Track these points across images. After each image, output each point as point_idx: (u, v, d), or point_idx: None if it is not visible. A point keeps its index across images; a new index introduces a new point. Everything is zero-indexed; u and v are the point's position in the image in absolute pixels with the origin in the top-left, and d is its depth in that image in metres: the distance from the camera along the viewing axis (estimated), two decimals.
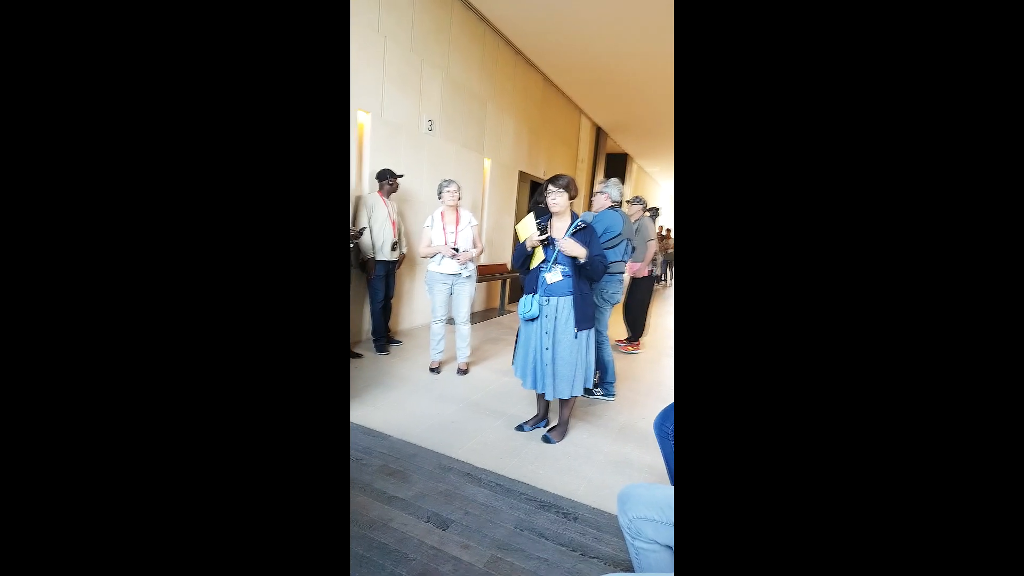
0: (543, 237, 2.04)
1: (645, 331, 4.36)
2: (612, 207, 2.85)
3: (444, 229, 2.95)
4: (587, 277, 2.09)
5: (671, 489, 1.07)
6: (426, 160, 4.28)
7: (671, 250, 8.17)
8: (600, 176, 8.93)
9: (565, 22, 4.69)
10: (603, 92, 6.74)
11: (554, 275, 2.09)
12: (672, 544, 1.03)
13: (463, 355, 3.16)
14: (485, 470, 1.93)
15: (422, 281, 4.25)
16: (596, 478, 1.96)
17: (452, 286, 3.02)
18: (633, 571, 1.16)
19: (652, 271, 4.12)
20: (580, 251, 1.99)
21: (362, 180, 3.61)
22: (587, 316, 2.11)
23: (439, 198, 3.00)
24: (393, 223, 3.35)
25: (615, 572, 1.18)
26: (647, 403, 2.92)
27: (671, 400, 1.63)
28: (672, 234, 10.10)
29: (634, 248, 3.05)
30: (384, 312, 3.49)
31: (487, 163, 5.44)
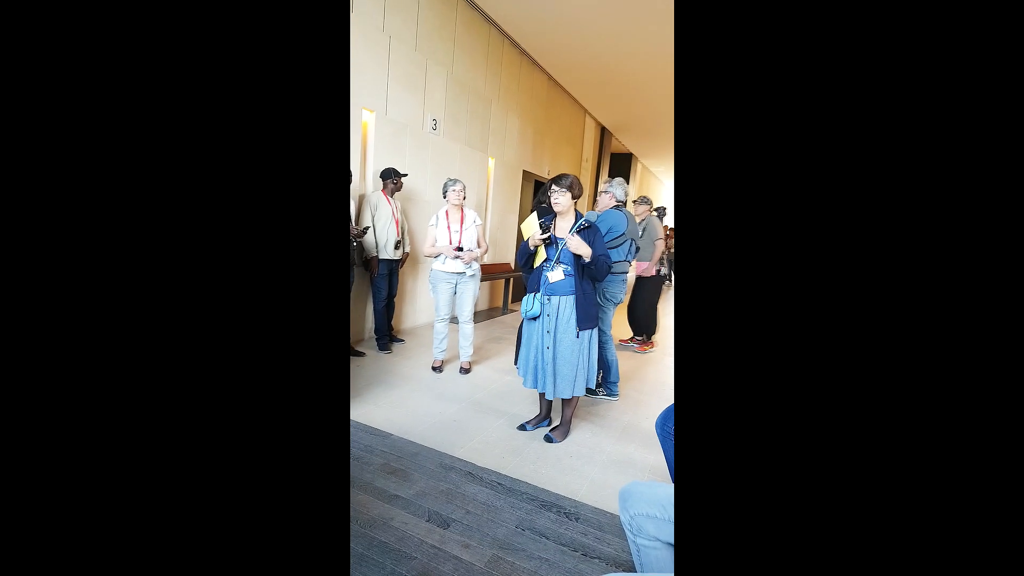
0: (545, 236, 2.04)
1: (657, 329, 4.36)
2: (616, 207, 2.84)
3: (449, 228, 2.95)
4: (590, 277, 2.09)
5: (672, 487, 1.07)
6: (430, 159, 4.29)
7: (672, 249, 8.18)
8: (604, 176, 8.91)
9: (570, 22, 4.68)
10: (608, 92, 6.72)
11: (556, 274, 2.09)
12: (673, 541, 1.02)
13: (466, 354, 3.16)
14: (486, 469, 1.93)
15: (425, 280, 4.26)
16: (598, 478, 1.95)
17: (456, 285, 3.02)
18: (634, 571, 1.16)
19: (659, 270, 4.11)
20: (586, 249, 1.99)
21: (366, 179, 3.62)
22: (590, 316, 2.10)
23: (444, 197, 3.00)
24: (396, 222, 3.35)
25: (615, 572, 1.17)
26: (650, 403, 2.91)
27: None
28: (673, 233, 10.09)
29: (638, 248, 3.04)
30: (387, 311, 3.50)
31: (491, 162, 5.44)
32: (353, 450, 1.98)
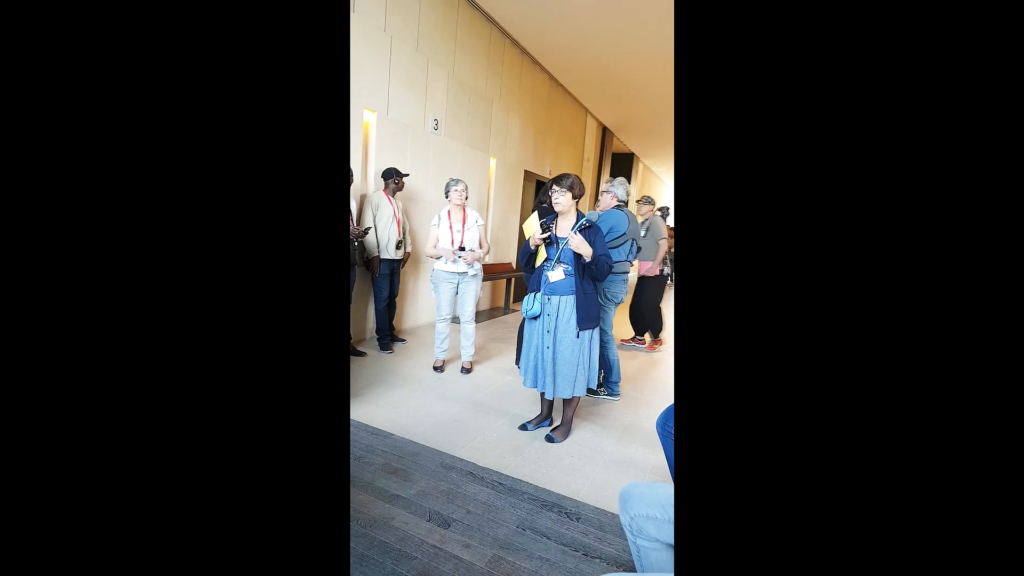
0: (545, 235, 2.04)
1: (663, 327, 4.36)
2: (618, 206, 2.84)
3: (451, 228, 2.95)
4: (591, 277, 2.08)
5: (673, 488, 1.07)
6: (431, 159, 4.29)
7: (672, 249, 8.21)
8: (606, 175, 8.91)
9: (571, 21, 4.68)
10: (609, 92, 6.72)
11: (556, 274, 2.08)
12: (673, 542, 1.02)
13: (467, 354, 3.16)
14: (487, 469, 1.93)
15: (427, 280, 4.26)
16: (599, 478, 1.95)
17: (458, 285, 3.02)
18: (635, 571, 1.15)
19: (663, 270, 4.11)
20: (587, 249, 1.98)
21: (367, 179, 3.62)
22: (590, 316, 2.10)
23: (446, 197, 3.00)
24: (398, 222, 3.36)
25: (615, 572, 1.17)
26: (652, 402, 2.90)
27: None
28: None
29: (639, 248, 3.04)
30: (388, 310, 3.50)
31: (492, 162, 5.44)
32: (354, 450, 1.98)
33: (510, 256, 5.97)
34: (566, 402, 2.27)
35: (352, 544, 1.41)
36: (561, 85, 6.65)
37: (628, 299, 4.37)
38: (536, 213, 2.15)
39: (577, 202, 2.11)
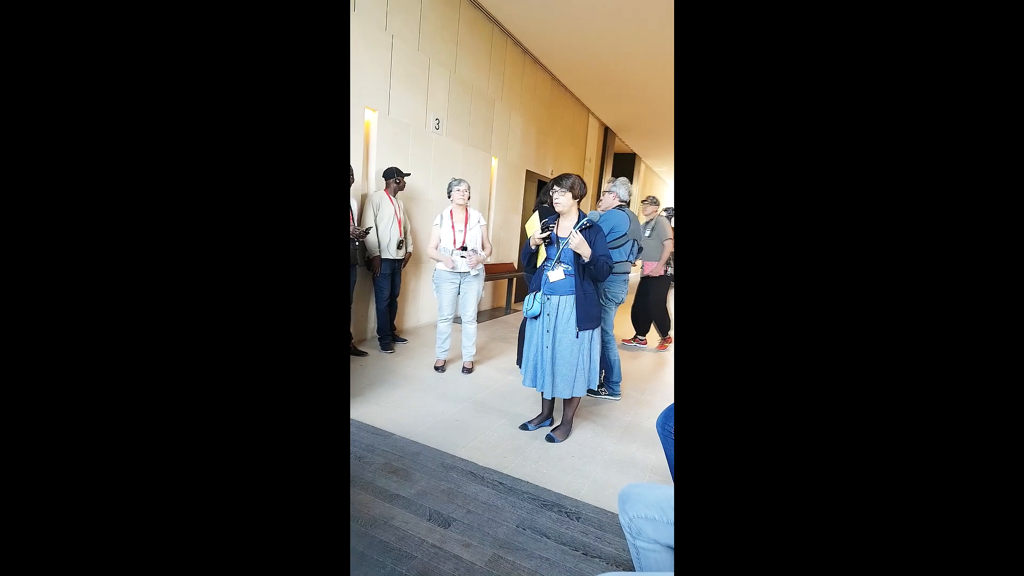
0: (544, 235, 2.05)
1: (671, 326, 4.36)
2: (619, 207, 2.83)
3: (453, 228, 2.95)
4: (591, 277, 2.08)
5: (672, 488, 1.06)
6: (433, 159, 4.29)
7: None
8: (608, 175, 8.90)
9: (573, 21, 4.67)
10: (610, 91, 6.71)
11: (556, 273, 2.08)
12: (672, 544, 1.02)
13: (468, 354, 3.16)
14: (488, 469, 1.93)
15: (428, 280, 4.26)
16: (600, 478, 1.95)
17: (459, 285, 3.02)
18: (634, 570, 1.15)
19: (668, 270, 4.11)
20: (587, 249, 1.98)
21: (369, 178, 3.62)
22: (591, 316, 2.09)
23: (449, 197, 3.00)
24: (399, 221, 3.36)
25: (614, 571, 1.17)
26: (653, 402, 2.90)
27: None
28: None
29: (640, 248, 3.04)
30: (389, 310, 3.50)
31: (494, 162, 5.44)
32: (355, 449, 1.98)
33: (511, 256, 5.97)
34: (566, 402, 2.27)
35: (352, 543, 1.42)
36: (563, 85, 6.65)
37: (630, 299, 4.37)
38: (537, 213, 2.15)
39: (578, 202, 2.11)
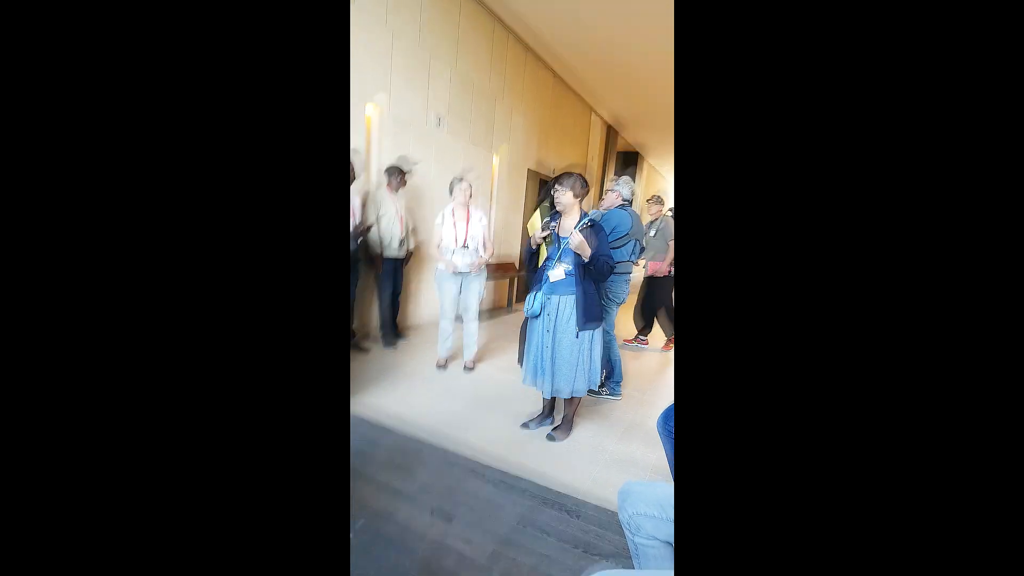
0: (544, 234, 2.05)
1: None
2: (622, 205, 2.83)
3: (455, 226, 2.96)
4: (592, 277, 2.08)
5: (671, 486, 1.07)
6: (434, 156, 4.29)
7: None
8: (611, 174, 8.88)
9: (575, 18, 4.65)
10: (614, 89, 6.68)
11: (557, 272, 2.08)
12: (671, 540, 1.03)
13: (470, 352, 3.17)
14: (489, 466, 1.94)
15: (430, 277, 4.26)
16: (600, 476, 1.96)
17: (462, 283, 3.02)
18: (634, 568, 1.16)
19: (671, 271, 4.11)
20: (587, 248, 1.98)
21: (370, 176, 3.62)
22: (592, 315, 2.09)
23: (451, 195, 3.00)
24: (401, 219, 3.36)
25: (609, 568, 1.18)
26: (654, 402, 2.90)
27: None
28: None
29: (643, 248, 3.04)
30: (392, 307, 3.51)
31: (495, 160, 5.43)
32: (357, 445, 1.99)
33: (512, 255, 5.97)
34: (567, 401, 2.27)
35: (354, 538, 1.43)
36: (565, 83, 6.63)
37: (632, 299, 4.37)
38: (539, 211, 2.16)
39: (580, 200, 2.11)
